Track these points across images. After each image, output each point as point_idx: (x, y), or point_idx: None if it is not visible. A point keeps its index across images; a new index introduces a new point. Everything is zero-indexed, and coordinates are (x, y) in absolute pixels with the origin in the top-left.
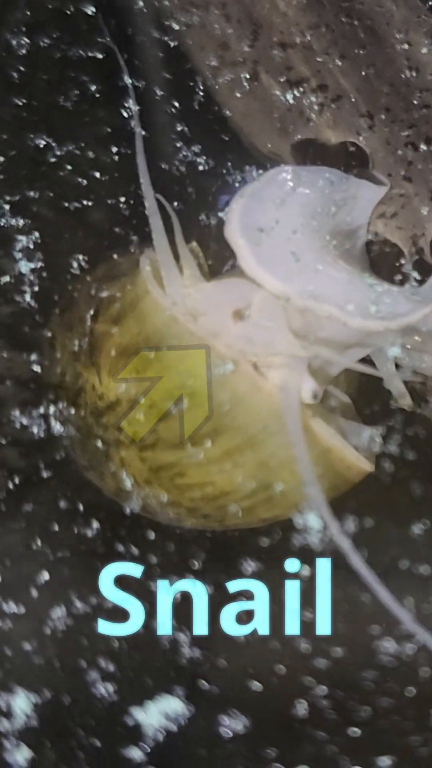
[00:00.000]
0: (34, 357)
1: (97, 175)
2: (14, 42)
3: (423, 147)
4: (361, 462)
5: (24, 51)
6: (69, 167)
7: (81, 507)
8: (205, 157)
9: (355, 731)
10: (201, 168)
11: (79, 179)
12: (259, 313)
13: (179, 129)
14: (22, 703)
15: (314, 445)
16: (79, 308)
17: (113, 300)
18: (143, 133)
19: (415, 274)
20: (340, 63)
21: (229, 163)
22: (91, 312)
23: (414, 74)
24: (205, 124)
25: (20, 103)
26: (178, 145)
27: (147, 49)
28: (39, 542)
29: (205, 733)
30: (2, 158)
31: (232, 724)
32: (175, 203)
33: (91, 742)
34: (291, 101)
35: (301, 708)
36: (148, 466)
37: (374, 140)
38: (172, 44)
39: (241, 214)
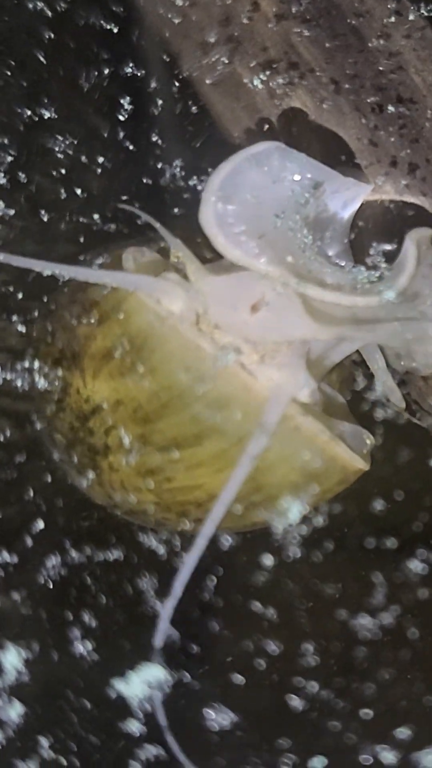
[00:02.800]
0: None
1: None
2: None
3: (391, 108)
4: (355, 461)
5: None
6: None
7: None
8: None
9: (367, 713)
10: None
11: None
12: (277, 300)
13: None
14: (12, 658)
15: (307, 445)
16: (61, 312)
17: (96, 302)
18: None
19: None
20: (308, 33)
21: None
22: (74, 315)
23: (382, 42)
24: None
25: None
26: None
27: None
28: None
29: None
30: None
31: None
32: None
33: (82, 704)
34: (260, 86)
35: (299, 703)
36: (136, 471)
37: (341, 103)
38: (176, 21)
39: (215, 198)
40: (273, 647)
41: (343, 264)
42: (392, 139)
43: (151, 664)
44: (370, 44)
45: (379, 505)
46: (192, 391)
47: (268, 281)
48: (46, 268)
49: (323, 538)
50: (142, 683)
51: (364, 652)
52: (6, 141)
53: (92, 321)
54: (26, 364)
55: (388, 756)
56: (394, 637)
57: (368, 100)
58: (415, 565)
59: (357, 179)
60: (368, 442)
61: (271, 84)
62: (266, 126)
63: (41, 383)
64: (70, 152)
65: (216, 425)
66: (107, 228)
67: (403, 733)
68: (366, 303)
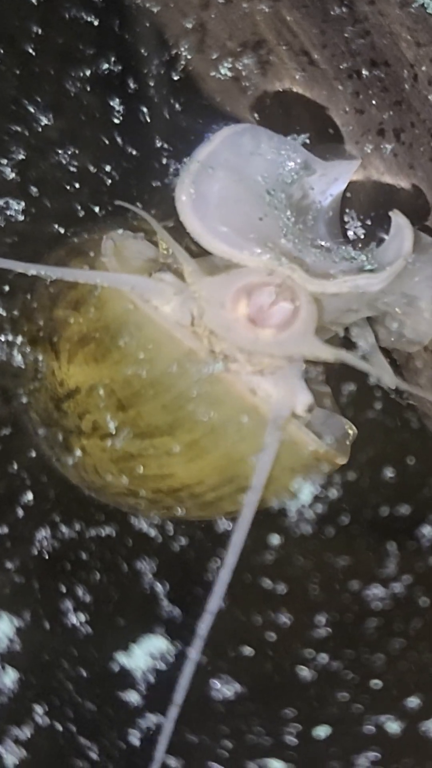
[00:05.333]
0: None
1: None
2: None
3: (366, 72)
4: (330, 455)
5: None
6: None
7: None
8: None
9: (376, 683)
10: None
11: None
12: (283, 314)
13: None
14: (4, 626)
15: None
16: (41, 292)
17: (74, 285)
18: None
19: None
20: (267, 10)
21: None
22: (52, 296)
23: (345, 10)
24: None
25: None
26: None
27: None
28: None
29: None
30: None
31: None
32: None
33: (78, 672)
34: (229, 74)
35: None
36: (109, 456)
37: (317, 74)
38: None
39: (192, 184)
40: (283, 620)
41: (330, 246)
42: (374, 102)
43: (152, 636)
44: (332, 12)
45: (389, 472)
46: (164, 381)
47: (268, 284)
48: (32, 269)
49: (333, 512)
50: (145, 655)
51: (375, 622)
52: None
53: (69, 305)
54: (9, 338)
55: (393, 726)
56: (404, 606)
57: (342, 67)
58: (429, 531)
59: (343, 157)
60: (350, 432)
61: (242, 66)
62: (249, 110)
63: (19, 358)
64: (64, 139)
65: (188, 415)
66: (96, 208)
67: (412, 702)
68: (356, 286)
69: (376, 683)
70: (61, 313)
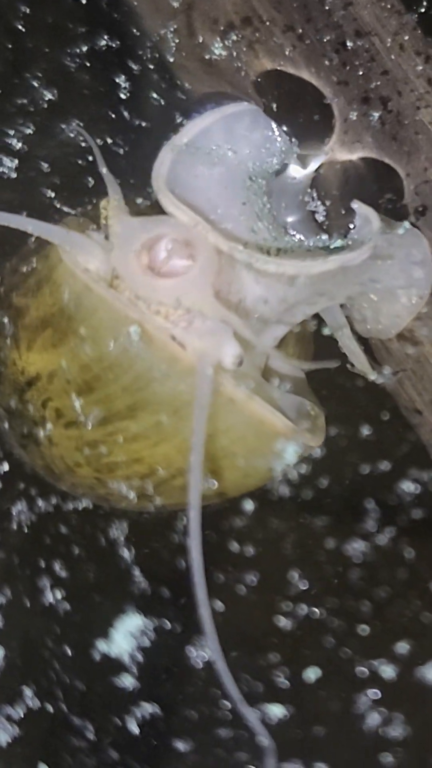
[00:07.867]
0: None
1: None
2: None
3: (350, 44)
4: (299, 435)
5: None
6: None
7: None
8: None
9: (364, 628)
10: None
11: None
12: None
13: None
14: None
15: (241, 417)
16: (6, 281)
17: (31, 272)
18: None
19: None
20: None
21: None
22: (12, 285)
23: None
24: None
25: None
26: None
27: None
28: None
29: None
30: None
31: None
32: None
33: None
34: (223, 53)
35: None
36: (75, 445)
37: (305, 48)
38: None
39: (172, 161)
40: (261, 576)
41: (303, 230)
42: (361, 72)
43: (128, 615)
44: None
45: (366, 429)
46: (121, 363)
47: (179, 230)
48: None
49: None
50: (125, 637)
51: (363, 575)
52: None
53: (27, 291)
54: None
55: (387, 670)
56: (389, 557)
57: (327, 39)
58: (407, 486)
59: (316, 147)
60: (312, 413)
61: (231, 45)
62: (243, 89)
63: None
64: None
65: (148, 397)
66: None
67: (402, 647)
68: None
69: (363, 629)
70: (19, 300)
